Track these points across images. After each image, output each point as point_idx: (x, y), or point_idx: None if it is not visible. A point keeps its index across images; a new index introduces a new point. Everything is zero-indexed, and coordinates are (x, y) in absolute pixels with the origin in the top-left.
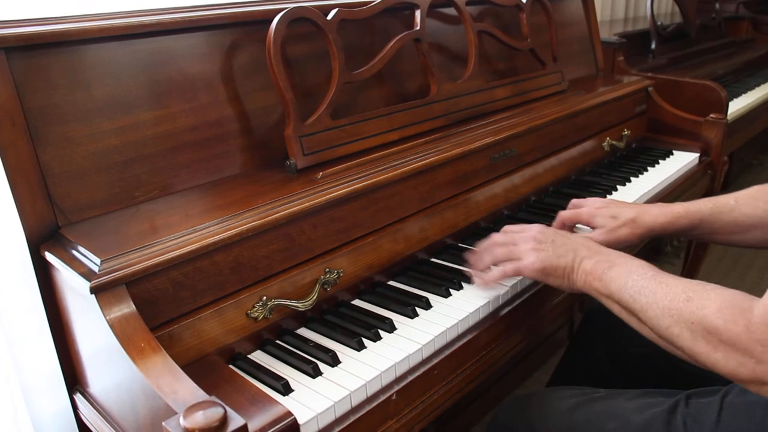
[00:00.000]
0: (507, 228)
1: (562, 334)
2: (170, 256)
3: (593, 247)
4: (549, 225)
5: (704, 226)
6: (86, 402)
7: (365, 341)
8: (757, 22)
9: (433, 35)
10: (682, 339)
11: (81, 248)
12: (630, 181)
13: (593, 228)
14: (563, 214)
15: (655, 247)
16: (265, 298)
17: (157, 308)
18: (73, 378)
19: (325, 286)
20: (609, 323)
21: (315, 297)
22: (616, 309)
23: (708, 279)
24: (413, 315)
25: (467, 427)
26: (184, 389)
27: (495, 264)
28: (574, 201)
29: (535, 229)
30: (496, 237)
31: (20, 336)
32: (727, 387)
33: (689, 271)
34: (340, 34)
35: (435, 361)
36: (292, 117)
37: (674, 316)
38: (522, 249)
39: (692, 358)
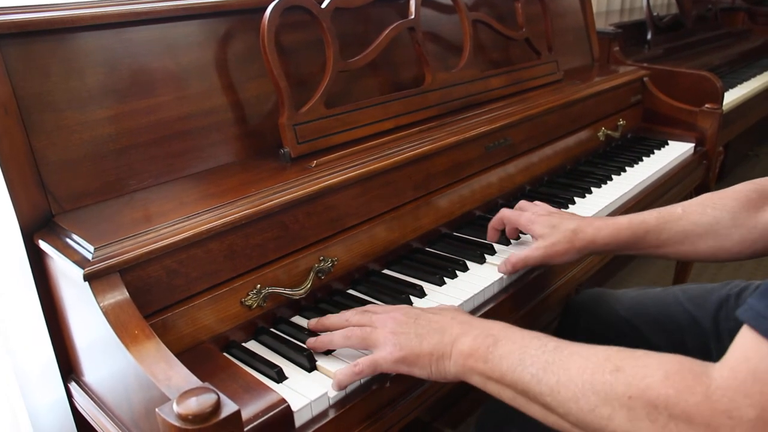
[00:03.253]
0: (368, 307)
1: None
2: (164, 244)
3: (466, 320)
4: None
5: (650, 239)
6: (81, 391)
7: None
8: (753, 13)
9: (428, 24)
10: (616, 421)
11: (75, 236)
12: (625, 170)
13: (531, 235)
14: (505, 212)
15: None
16: (259, 286)
17: (150, 296)
18: (68, 367)
19: (320, 275)
20: (595, 308)
21: (309, 285)
22: (507, 396)
23: (704, 270)
24: (407, 304)
25: (463, 416)
26: (177, 376)
27: (352, 346)
28: (521, 203)
29: (398, 309)
30: (350, 315)
31: (15, 325)
32: None
33: (683, 263)
34: (335, 23)
35: None
36: (286, 105)
37: (601, 394)
38: (379, 334)
39: None
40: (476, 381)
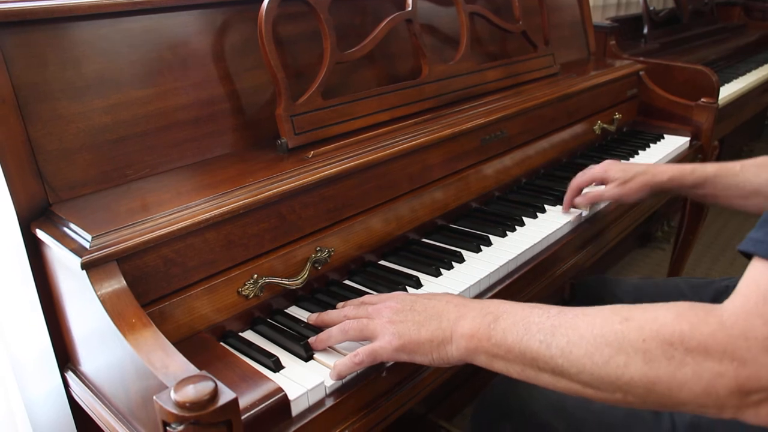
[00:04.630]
0: (364, 299)
1: None
2: (161, 233)
3: (461, 302)
4: (543, 206)
5: (707, 187)
6: (78, 380)
7: None
8: (748, 8)
9: (425, 16)
10: (633, 367)
11: (72, 225)
12: None
13: (606, 180)
14: (578, 177)
15: (645, 233)
16: (256, 276)
17: (148, 285)
18: (65, 356)
19: (316, 265)
20: (597, 295)
21: (306, 275)
22: (515, 370)
23: (698, 264)
24: None
25: (458, 408)
26: (175, 364)
27: (350, 340)
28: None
29: (393, 297)
30: (348, 310)
31: (11, 314)
32: None
33: (679, 255)
34: (332, 14)
35: None
36: (283, 96)
37: (614, 344)
38: (377, 324)
39: (647, 389)
40: (481, 361)
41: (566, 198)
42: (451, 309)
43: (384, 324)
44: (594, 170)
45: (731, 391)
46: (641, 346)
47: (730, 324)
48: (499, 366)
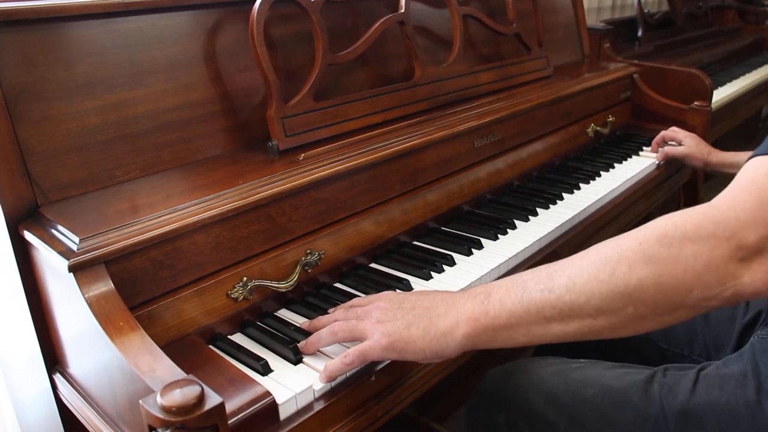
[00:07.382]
0: (353, 301)
1: None
2: (150, 236)
3: (448, 295)
4: (535, 209)
5: None
6: (66, 382)
7: None
8: (742, 11)
9: (418, 18)
10: (637, 269)
11: (60, 227)
12: (613, 167)
13: (682, 142)
14: (663, 132)
15: None
16: (245, 278)
17: (136, 288)
18: (53, 358)
19: (306, 268)
20: None
21: (296, 278)
22: (520, 334)
23: None
24: None
25: (450, 410)
26: (162, 368)
27: (340, 342)
28: (674, 128)
29: (382, 297)
30: (338, 314)
31: None
32: (703, 363)
33: None
34: (324, 16)
35: None
36: (274, 98)
37: (614, 258)
38: (366, 324)
39: (656, 285)
40: (483, 342)
41: (654, 141)
42: (439, 303)
43: (373, 324)
44: (677, 134)
45: (727, 258)
46: (639, 248)
47: (718, 204)
48: (503, 339)
